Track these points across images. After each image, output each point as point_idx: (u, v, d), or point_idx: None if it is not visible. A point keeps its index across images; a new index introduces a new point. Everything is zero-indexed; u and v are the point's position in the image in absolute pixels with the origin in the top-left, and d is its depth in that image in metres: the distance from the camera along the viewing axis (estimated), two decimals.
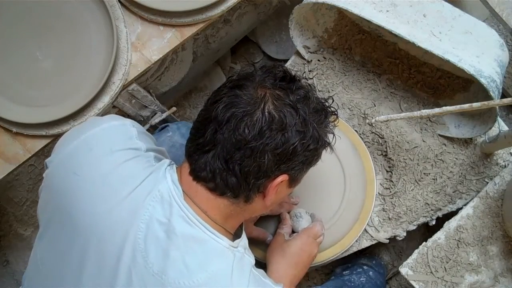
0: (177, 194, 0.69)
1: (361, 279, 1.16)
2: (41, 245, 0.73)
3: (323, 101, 0.77)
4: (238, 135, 0.66)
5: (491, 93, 0.87)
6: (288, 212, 0.99)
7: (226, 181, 0.68)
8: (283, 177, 0.71)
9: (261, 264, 1.05)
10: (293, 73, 0.74)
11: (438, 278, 1.00)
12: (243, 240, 0.75)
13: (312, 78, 1.14)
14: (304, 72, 1.15)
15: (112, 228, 0.67)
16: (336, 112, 0.79)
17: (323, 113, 0.74)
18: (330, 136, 0.78)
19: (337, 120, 0.80)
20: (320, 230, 0.94)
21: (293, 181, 0.75)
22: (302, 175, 0.77)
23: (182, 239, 0.66)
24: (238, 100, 0.67)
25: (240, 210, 0.73)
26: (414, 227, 1.08)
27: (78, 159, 0.71)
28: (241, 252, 0.72)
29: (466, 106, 0.82)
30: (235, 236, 0.77)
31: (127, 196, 0.68)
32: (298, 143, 0.68)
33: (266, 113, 0.67)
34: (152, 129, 1.15)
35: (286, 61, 1.18)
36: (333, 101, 0.80)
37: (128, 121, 0.77)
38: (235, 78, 0.72)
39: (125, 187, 0.68)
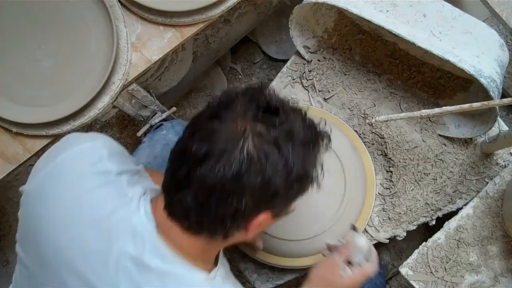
0: (150, 228, 0.65)
1: None
2: (18, 270, 0.73)
3: (314, 126, 0.69)
4: (213, 177, 0.59)
5: (491, 93, 0.87)
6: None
7: (201, 222, 0.63)
8: (264, 215, 0.64)
9: (264, 265, 1.06)
10: (278, 100, 0.66)
11: (438, 278, 1.00)
12: (221, 268, 0.71)
13: (312, 78, 1.14)
14: (304, 72, 1.15)
15: (81, 261, 0.64)
16: (329, 135, 0.72)
17: (311, 144, 0.67)
18: (320, 165, 0.71)
19: (330, 143, 0.73)
20: (375, 271, 0.85)
21: (277, 215, 0.68)
22: (288, 209, 0.71)
23: (156, 275, 0.63)
24: (215, 136, 0.60)
25: (219, 244, 0.69)
26: (414, 227, 1.08)
27: (47, 188, 0.68)
28: (219, 282, 0.68)
29: (466, 106, 0.82)
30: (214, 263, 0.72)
31: (96, 228, 0.65)
32: (280, 184, 0.62)
33: (245, 153, 0.59)
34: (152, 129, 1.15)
35: (286, 61, 1.18)
36: (325, 123, 0.72)
37: (100, 141, 0.73)
38: (215, 105, 0.66)
39: (94, 218, 0.65)
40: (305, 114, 0.69)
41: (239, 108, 0.63)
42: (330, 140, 0.72)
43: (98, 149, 0.71)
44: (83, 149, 0.71)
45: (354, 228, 0.88)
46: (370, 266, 0.84)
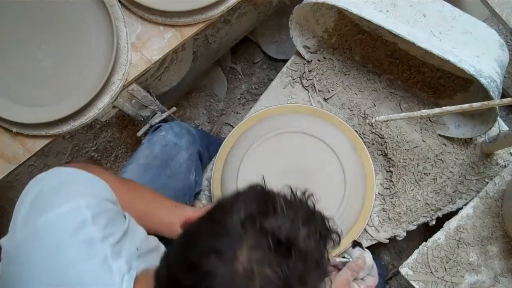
0: None
1: None
2: None
3: (324, 240, 0.60)
4: None
5: (491, 93, 0.87)
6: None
7: None
8: None
9: None
10: (291, 231, 0.54)
11: (438, 278, 1.00)
12: None
13: (312, 78, 1.14)
14: (304, 72, 1.15)
15: None
16: (338, 241, 0.64)
17: (321, 270, 0.58)
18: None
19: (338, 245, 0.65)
20: (376, 283, 0.86)
21: None
22: None
23: None
24: (214, 279, 0.51)
25: None
26: (414, 227, 1.08)
27: (26, 252, 0.63)
28: None
29: (466, 106, 0.82)
30: None
31: None
32: None
33: None
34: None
35: (286, 61, 1.18)
36: (339, 236, 0.64)
37: (83, 201, 0.65)
38: (217, 231, 0.54)
39: None
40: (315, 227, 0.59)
41: (244, 244, 0.52)
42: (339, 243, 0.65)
43: (81, 211, 0.65)
44: (66, 212, 0.65)
45: (360, 245, 0.89)
46: (373, 280, 0.85)
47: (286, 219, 0.55)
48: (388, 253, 1.46)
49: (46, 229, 0.64)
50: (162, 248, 0.77)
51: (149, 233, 0.76)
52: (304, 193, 0.63)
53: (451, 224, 1.03)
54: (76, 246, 0.62)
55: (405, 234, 1.08)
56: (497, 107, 0.89)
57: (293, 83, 1.16)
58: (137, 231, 0.73)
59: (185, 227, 0.63)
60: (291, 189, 0.62)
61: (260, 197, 0.59)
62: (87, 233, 0.64)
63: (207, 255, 0.52)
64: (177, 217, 0.88)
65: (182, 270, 0.54)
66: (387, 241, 1.08)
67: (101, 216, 0.66)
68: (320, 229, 0.58)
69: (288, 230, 0.54)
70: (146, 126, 1.14)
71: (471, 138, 1.08)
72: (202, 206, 1.00)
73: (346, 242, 1.03)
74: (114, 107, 1.04)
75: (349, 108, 1.12)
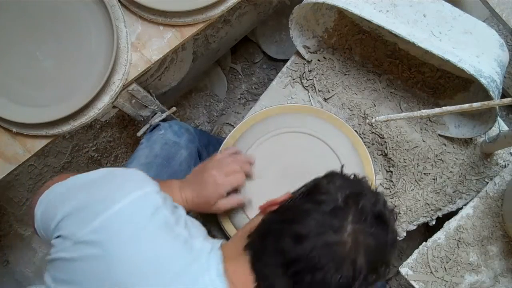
0: None
1: None
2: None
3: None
4: (325, 283, 0.61)
5: (491, 93, 0.87)
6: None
7: None
8: None
9: None
10: (381, 209, 0.67)
11: (438, 278, 1.00)
12: None
13: (312, 78, 1.14)
14: (304, 72, 1.15)
15: None
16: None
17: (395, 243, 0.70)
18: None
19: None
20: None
21: None
22: None
23: None
24: (331, 251, 0.61)
25: None
26: (414, 227, 1.08)
27: (109, 242, 0.64)
28: None
29: (466, 106, 0.82)
30: None
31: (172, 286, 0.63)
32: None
33: (358, 268, 0.62)
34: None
35: (286, 61, 1.18)
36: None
37: (149, 188, 0.70)
38: (323, 209, 0.64)
39: (165, 280, 0.63)
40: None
41: (349, 218, 0.63)
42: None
43: (153, 196, 0.69)
44: (138, 198, 0.67)
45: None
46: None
47: (373, 198, 0.67)
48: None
49: (122, 215, 0.65)
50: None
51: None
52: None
53: (451, 224, 1.03)
54: (157, 231, 0.65)
55: (405, 234, 1.08)
56: (497, 107, 0.89)
57: (293, 83, 1.16)
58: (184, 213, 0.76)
59: (281, 205, 0.69)
60: (355, 174, 0.73)
61: (350, 181, 0.70)
62: (163, 217, 0.67)
63: (318, 229, 0.62)
64: (170, 190, 0.90)
65: (289, 243, 0.62)
66: None
67: (167, 201, 0.70)
68: (389, 206, 0.70)
69: (379, 206, 0.66)
70: (146, 126, 1.14)
71: (471, 138, 1.08)
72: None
73: None
74: (114, 107, 1.04)
75: (349, 108, 1.12)
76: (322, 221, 0.62)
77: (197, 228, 0.74)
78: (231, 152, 0.97)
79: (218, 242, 0.72)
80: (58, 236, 0.67)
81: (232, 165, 0.94)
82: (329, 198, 0.65)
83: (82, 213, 0.67)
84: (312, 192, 0.68)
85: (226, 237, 1.06)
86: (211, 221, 1.08)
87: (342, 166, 0.76)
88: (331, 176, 0.70)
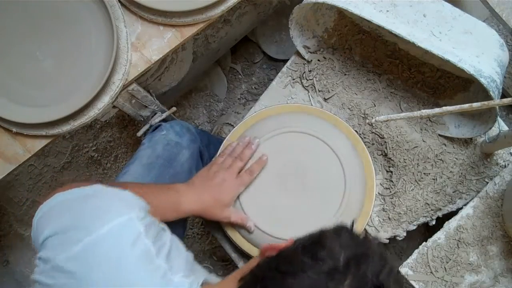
0: None
1: None
2: None
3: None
4: None
5: (491, 93, 0.87)
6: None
7: None
8: None
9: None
10: (384, 277, 0.58)
11: (438, 278, 1.00)
12: None
13: (312, 78, 1.14)
14: (304, 72, 1.15)
15: None
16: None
17: None
18: None
19: None
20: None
21: None
22: None
23: None
24: None
25: None
26: (414, 227, 1.08)
27: (87, 268, 0.62)
28: None
29: (466, 106, 0.82)
30: None
31: None
32: None
33: None
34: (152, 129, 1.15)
35: (286, 61, 1.18)
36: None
37: (134, 214, 0.66)
38: (321, 268, 0.57)
39: None
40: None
41: (346, 282, 0.56)
42: None
43: (135, 224, 0.65)
44: (119, 225, 0.64)
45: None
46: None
47: (379, 265, 0.59)
48: (388, 253, 1.46)
49: (102, 243, 0.62)
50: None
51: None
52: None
53: (451, 224, 1.03)
54: (135, 262, 0.62)
55: (405, 234, 1.08)
56: (497, 107, 0.89)
57: (293, 83, 1.16)
58: (175, 239, 0.72)
59: (278, 251, 0.65)
60: (366, 233, 0.65)
61: (356, 241, 0.63)
62: (143, 247, 0.63)
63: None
64: (177, 195, 0.90)
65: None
66: (387, 241, 1.08)
67: (151, 228, 0.66)
68: (396, 276, 0.63)
69: (382, 276, 0.58)
70: (146, 126, 1.14)
71: (471, 138, 1.08)
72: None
73: None
74: (114, 107, 1.04)
75: (349, 108, 1.12)
76: (316, 281, 0.56)
77: (181, 260, 0.70)
78: (237, 148, 0.99)
79: (201, 278, 0.69)
80: (40, 257, 0.66)
81: (237, 163, 0.95)
82: (330, 256, 0.59)
83: (63, 236, 0.64)
84: (315, 244, 0.62)
85: (230, 242, 1.06)
86: (216, 227, 1.08)
87: (353, 223, 0.71)
88: (339, 230, 0.65)
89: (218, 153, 1.06)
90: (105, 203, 0.68)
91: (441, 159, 1.07)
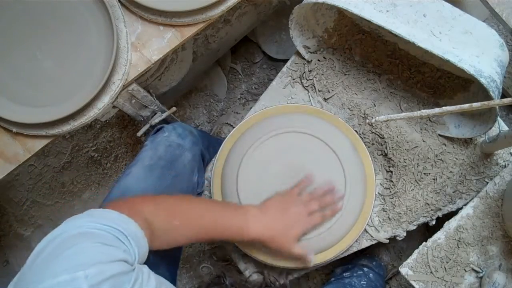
0: None
1: (362, 282, 1.16)
2: None
3: None
4: None
5: (491, 93, 0.87)
6: None
7: None
8: None
9: (264, 265, 1.06)
10: None
11: (438, 278, 1.00)
12: None
13: (312, 78, 1.14)
14: (304, 72, 1.15)
15: None
16: None
17: None
18: None
19: None
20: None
21: None
22: None
23: None
24: None
25: None
26: (414, 227, 1.08)
27: None
28: None
29: (466, 106, 0.82)
30: None
31: None
32: None
33: None
34: (152, 129, 1.15)
35: (286, 61, 1.18)
36: None
37: (82, 273, 0.57)
38: None
39: None
40: None
41: None
42: None
43: (78, 283, 0.57)
44: (61, 283, 0.57)
45: None
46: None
47: None
48: (388, 253, 1.46)
49: None
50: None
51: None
52: None
53: (451, 224, 1.03)
54: None
55: (405, 234, 1.08)
56: (497, 107, 0.89)
57: (293, 83, 1.16)
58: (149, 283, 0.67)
59: None
60: None
61: None
62: None
63: None
64: (245, 218, 0.90)
65: None
66: (387, 241, 1.08)
67: (101, 287, 0.59)
68: None
69: None
70: (146, 126, 1.14)
71: (471, 138, 1.08)
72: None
73: (346, 242, 1.04)
74: (114, 107, 1.04)
75: (349, 108, 1.12)
76: None
77: None
78: (318, 189, 1.00)
79: None
80: None
81: (314, 204, 0.96)
82: None
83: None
84: None
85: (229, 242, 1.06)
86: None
87: None
88: None
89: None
90: (68, 252, 0.61)
91: (441, 159, 1.07)
